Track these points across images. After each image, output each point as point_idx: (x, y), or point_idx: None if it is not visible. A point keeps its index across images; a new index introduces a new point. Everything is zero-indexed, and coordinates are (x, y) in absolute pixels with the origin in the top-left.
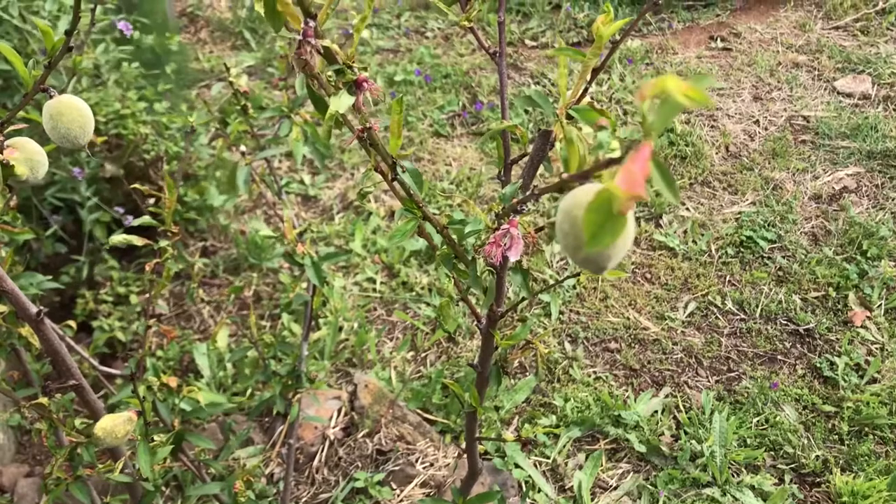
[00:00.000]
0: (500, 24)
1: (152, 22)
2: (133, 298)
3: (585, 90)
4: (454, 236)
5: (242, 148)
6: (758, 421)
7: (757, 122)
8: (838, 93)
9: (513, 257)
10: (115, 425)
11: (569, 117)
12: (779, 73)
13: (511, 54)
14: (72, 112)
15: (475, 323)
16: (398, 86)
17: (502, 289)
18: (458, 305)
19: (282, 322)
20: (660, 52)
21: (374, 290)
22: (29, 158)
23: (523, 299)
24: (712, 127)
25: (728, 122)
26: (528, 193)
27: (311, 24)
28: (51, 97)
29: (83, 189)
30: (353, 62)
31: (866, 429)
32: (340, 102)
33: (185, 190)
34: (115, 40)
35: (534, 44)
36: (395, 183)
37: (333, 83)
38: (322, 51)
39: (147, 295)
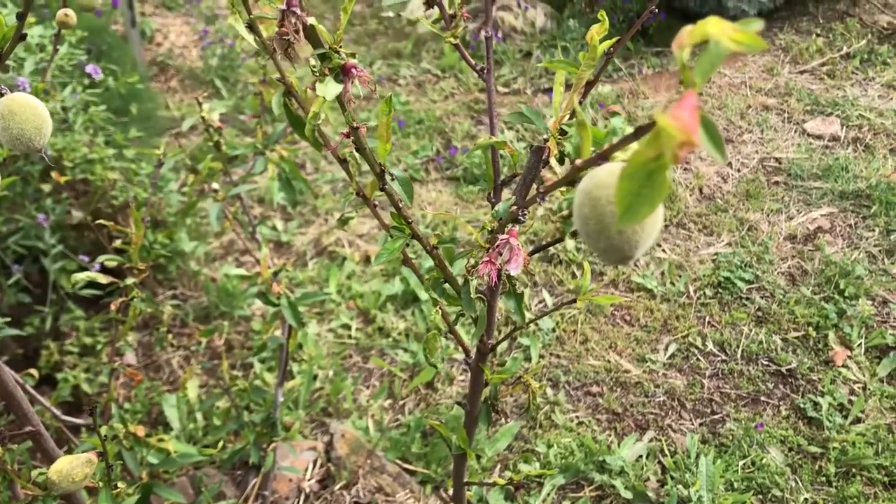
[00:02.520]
0: (488, 39)
1: (121, 69)
2: (100, 349)
3: (580, 104)
4: (444, 258)
5: (215, 185)
6: (744, 464)
7: (729, 164)
8: (808, 135)
9: (513, 271)
10: (72, 468)
11: (562, 133)
12: (749, 115)
13: (483, 100)
14: (26, 111)
15: (464, 358)
16: (371, 131)
17: (493, 318)
18: (446, 338)
19: (254, 371)
20: (631, 96)
21: (350, 336)
22: None
23: (516, 329)
24: (685, 169)
25: (701, 164)
26: (529, 197)
27: None
28: (1, 95)
29: (48, 236)
30: (341, 46)
31: (853, 470)
32: (327, 89)
33: (153, 235)
34: (82, 86)
35: (506, 90)
36: (379, 203)
37: (318, 71)
38: (306, 27)
39: (113, 337)
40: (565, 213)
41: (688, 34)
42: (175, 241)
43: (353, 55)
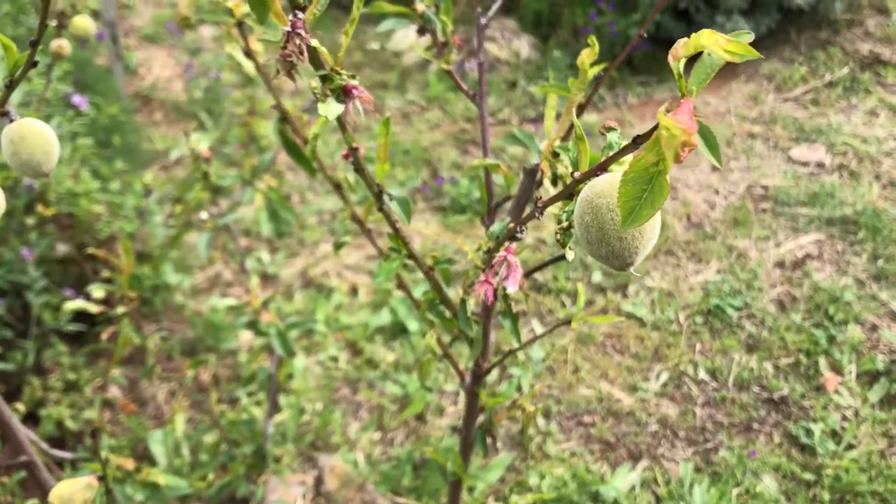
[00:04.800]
0: (480, 64)
1: (105, 101)
2: (84, 385)
3: (571, 127)
4: (440, 279)
5: (203, 214)
6: (738, 492)
7: (717, 191)
8: (794, 161)
9: (511, 287)
10: (73, 492)
11: (554, 155)
12: (735, 143)
13: (469, 130)
14: (34, 137)
15: (458, 383)
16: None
17: (488, 340)
18: (441, 361)
19: (242, 404)
20: (617, 125)
21: (338, 368)
22: None
23: (511, 351)
24: (673, 198)
25: (688, 192)
26: (526, 214)
27: (301, 15)
28: (11, 121)
29: (32, 270)
30: (342, 67)
31: (847, 497)
32: (329, 109)
33: (139, 268)
34: (67, 119)
35: (492, 120)
36: (374, 224)
37: (319, 92)
38: (309, 49)
39: (98, 372)
40: (565, 224)
41: (682, 46)
42: (160, 274)
43: (353, 76)
